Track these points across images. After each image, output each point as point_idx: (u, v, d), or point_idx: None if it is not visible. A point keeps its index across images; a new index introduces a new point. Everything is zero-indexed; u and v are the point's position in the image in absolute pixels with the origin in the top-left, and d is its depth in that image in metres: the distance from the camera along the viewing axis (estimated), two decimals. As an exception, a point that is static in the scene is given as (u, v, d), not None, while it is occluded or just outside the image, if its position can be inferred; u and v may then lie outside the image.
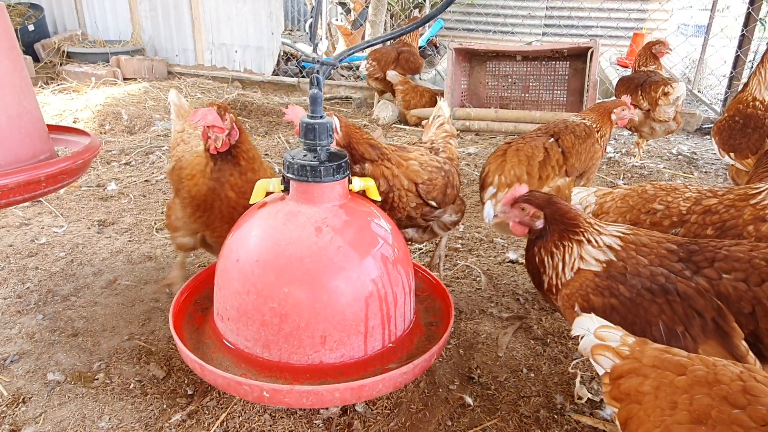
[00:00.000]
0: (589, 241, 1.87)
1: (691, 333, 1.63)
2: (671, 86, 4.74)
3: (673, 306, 1.66)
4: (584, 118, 3.32)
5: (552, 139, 3.11)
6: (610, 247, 1.85)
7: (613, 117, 3.33)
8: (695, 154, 5.80)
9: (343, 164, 2.02)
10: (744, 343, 1.60)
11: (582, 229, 1.91)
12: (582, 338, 1.52)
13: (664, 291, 1.68)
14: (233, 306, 1.96)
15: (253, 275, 1.90)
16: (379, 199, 2.26)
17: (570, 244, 1.89)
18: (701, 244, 1.81)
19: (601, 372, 1.45)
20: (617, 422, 1.37)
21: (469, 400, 2.23)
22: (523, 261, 3.37)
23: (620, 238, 1.87)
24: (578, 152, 3.09)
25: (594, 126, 3.26)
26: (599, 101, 3.43)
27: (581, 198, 2.58)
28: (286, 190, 2.07)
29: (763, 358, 1.63)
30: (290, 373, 1.89)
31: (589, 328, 1.51)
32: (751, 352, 1.61)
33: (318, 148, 1.99)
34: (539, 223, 1.96)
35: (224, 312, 2.03)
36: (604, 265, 1.81)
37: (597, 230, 1.91)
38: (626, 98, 3.48)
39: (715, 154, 5.70)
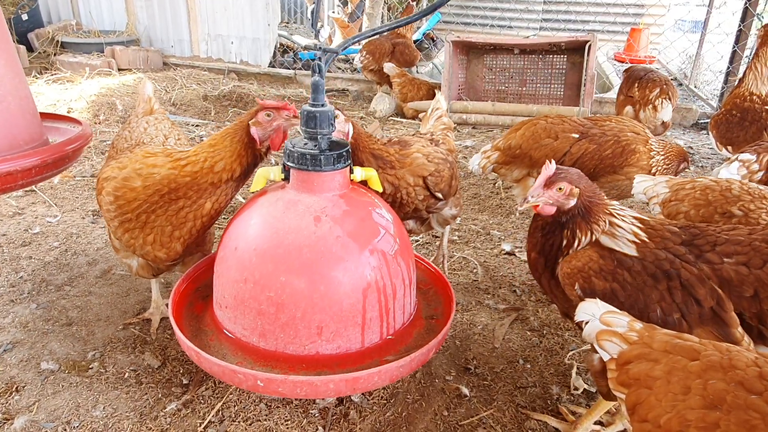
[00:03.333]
0: (617, 223, 1.81)
1: (688, 320, 1.63)
2: (662, 103, 4.70)
3: (673, 293, 1.65)
4: (653, 147, 3.05)
5: (577, 135, 3.06)
6: (635, 234, 1.79)
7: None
8: (692, 148, 5.81)
9: (344, 153, 2.00)
10: (740, 330, 1.61)
11: (609, 213, 1.83)
12: (586, 324, 1.51)
13: (668, 277, 1.66)
14: (231, 294, 1.95)
15: (251, 264, 1.89)
16: (380, 189, 2.23)
17: (599, 228, 1.80)
18: (701, 228, 1.80)
19: (606, 357, 1.43)
20: (623, 408, 1.36)
21: (465, 390, 2.23)
22: (517, 253, 3.38)
23: (641, 226, 1.80)
24: (582, 162, 3.01)
25: (653, 155, 2.99)
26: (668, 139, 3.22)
27: (645, 187, 2.46)
28: (287, 178, 2.05)
29: (764, 339, 1.64)
30: (286, 362, 1.88)
31: (594, 313, 1.50)
32: (746, 337, 1.61)
33: (319, 136, 1.97)
34: (572, 202, 1.82)
35: (222, 300, 2.02)
36: (638, 243, 1.74)
37: (619, 213, 1.84)
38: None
39: (711, 148, 5.71)
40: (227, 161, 2.01)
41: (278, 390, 1.77)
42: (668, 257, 1.70)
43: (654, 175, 3.06)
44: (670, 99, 4.70)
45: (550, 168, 1.84)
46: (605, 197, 1.89)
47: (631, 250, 1.75)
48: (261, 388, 1.76)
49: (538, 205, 1.85)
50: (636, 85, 4.89)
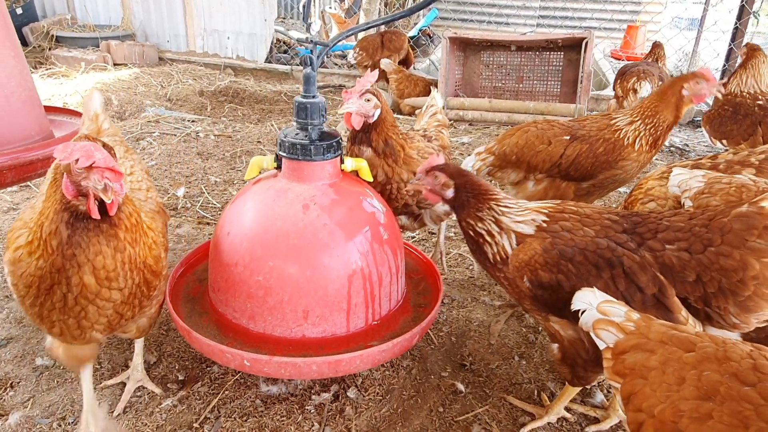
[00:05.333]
0: (507, 208, 1.90)
1: (633, 306, 1.64)
2: (640, 84, 4.74)
3: (617, 281, 1.67)
4: (630, 120, 2.95)
5: (568, 136, 3.04)
6: (534, 220, 1.86)
7: (685, 93, 2.80)
8: (687, 145, 5.82)
9: (335, 144, 2.05)
10: (684, 313, 1.63)
11: (494, 200, 1.92)
12: (583, 312, 1.51)
13: (610, 266, 1.69)
14: (223, 277, 2.02)
15: (242, 248, 1.96)
16: (371, 179, 2.28)
17: (489, 213, 1.90)
18: (643, 215, 1.82)
19: (602, 346, 1.44)
20: (618, 398, 1.36)
21: (460, 386, 2.23)
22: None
23: (546, 214, 1.87)
24: (578, 162, 3.01)
25: (631, 136, 2.93)
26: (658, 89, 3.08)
27: (680, 180, 2.37)
28: (279, 167, 2.12)
29: (711, 320, 1.66)
30: (274, 344, 1.95)
31: (591, 302, 1.50)
32: (691, 319, 1.64)
33: (309, 127, 2.04)
34: (449, 192, 1.98)
35: (215, 283, 2.08)
36: (545, 236, 1.80)
37: (515, 204, 1.93)
38: (705, 69, 2.84)
39: (707, 146, 5.73)
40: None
41: (263, 370, 1.83)
42: (610, 245, 1.72)
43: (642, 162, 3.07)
44: (647, 80, 4.76)
45: (435, 159, 2.01)
46: (498, 194, 1.97)
47: (531, 231, 1.83)
48: (248, 368, 1.83)
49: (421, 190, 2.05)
50: (618, 81, 5.01)
